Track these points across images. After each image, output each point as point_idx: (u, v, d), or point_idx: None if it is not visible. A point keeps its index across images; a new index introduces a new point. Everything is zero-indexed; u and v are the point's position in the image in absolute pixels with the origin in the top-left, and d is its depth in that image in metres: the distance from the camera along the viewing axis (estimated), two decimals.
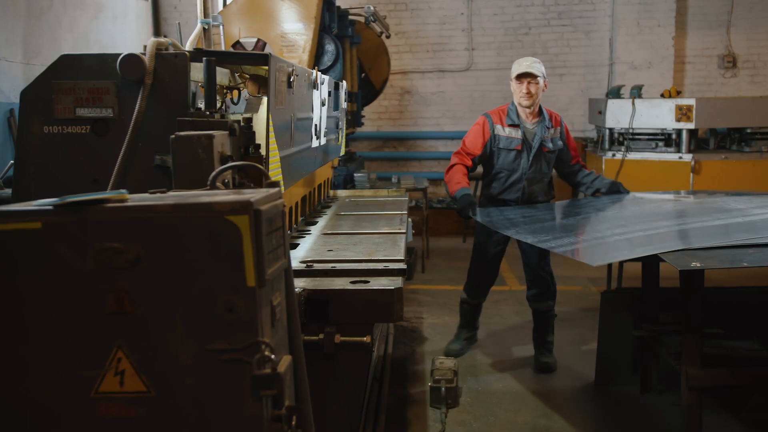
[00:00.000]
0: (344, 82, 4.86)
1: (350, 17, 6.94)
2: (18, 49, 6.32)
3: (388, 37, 8.00)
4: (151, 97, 2.14)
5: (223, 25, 3.16)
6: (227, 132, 2.02)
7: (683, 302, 3.23)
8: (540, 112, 4.53)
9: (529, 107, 4.45)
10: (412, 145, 9.77)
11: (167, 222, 1.42)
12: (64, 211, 1.43)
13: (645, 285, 4.05)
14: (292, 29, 5.83)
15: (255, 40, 5.75)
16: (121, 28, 8.35)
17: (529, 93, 4.38)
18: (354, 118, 7.17)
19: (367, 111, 8.67)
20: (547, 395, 4.19)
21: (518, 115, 4.49)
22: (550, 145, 4.49)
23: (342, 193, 4.80)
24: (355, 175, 6.88)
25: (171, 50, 2.22)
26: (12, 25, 6.27)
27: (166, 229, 1.42)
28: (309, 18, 5.88)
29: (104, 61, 2.17)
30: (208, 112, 2.13)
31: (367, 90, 8.01)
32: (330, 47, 6.20)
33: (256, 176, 2.04)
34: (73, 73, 2.18)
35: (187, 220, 1.42)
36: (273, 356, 1.44)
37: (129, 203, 1.46)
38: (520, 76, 4.39)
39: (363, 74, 7.87)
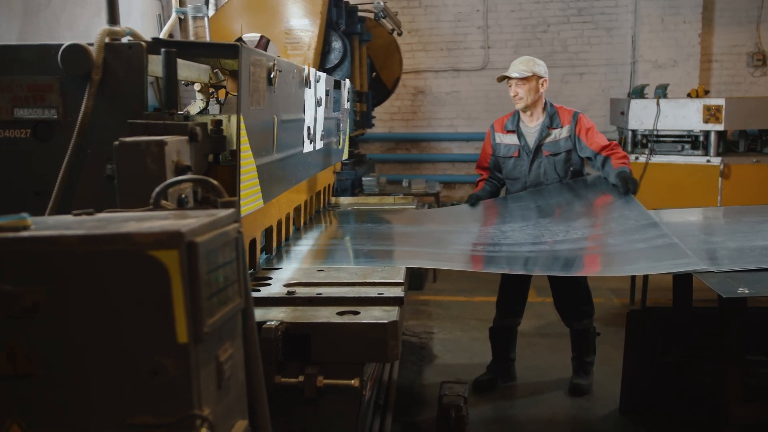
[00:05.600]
0: (348, 80, 4.52)
1: (359, 13, 6.59)
2: None
3: (399, 34, 7.66)
4: (101, 95, 1.81)
5: (208, 17, 2.82)
6: (186, 137, 1.68)
7: (722, 330, 2.87)
8: (545, 112, 4.17)
9: (524, 110, 4.16)
10: (425, 147, 9.42)
11: (75, 258, 1.09)
12: None
13: (676, 304, 3.68)
14: (297, 25, 5.53)
15: (258, 37, 5.46)
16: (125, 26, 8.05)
17: (516, 95, 4.10)
18: (364, 119, 6.83)
19: (379, 111, 8.33)
20: (565, 424, 3.82)
21: (519, 120, 4.20)
22: (551, 147, 4.14)
23: (344, 200, 4.46)
24: (363, 179, 6.52)
25: (129, 41, 1.90)
26: (6, 23, 5.98)
27: (75, 268, 1.09)
28: (315, 13, 5.58)
29: (47, 52, 1.84)
30: (167, 113, 1.80)
31: (378, 90, 7.66)
32: (337, 44, 5.86)
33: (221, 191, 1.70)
34: (10, 67, 1.86)
35: (100, 255, 1.09)
36: None
37: (29, 232, 1.12)
38: (506, 79, 4.13)
39: (374, 73, 7.53)
